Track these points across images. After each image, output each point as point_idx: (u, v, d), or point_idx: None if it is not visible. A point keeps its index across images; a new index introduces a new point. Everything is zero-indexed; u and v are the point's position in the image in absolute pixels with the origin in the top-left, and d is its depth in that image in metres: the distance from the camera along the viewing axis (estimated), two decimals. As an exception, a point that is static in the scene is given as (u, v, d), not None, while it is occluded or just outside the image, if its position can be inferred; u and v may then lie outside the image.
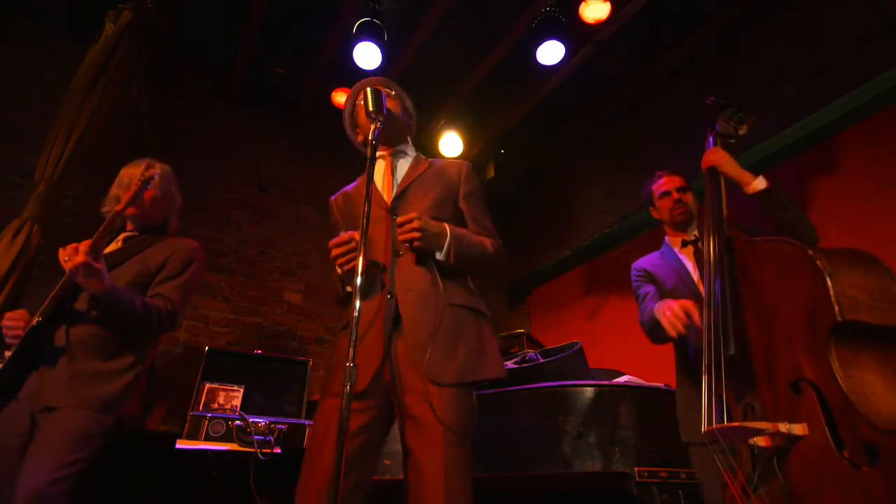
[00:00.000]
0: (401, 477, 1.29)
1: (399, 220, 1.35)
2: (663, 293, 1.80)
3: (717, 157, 1.70)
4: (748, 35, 3.22)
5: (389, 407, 1.32)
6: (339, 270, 1.38)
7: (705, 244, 1.49)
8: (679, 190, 1.94)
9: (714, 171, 1.69)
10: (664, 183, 1.97)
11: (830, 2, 2.82)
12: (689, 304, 1.45)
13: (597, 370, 2.38)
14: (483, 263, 1.47)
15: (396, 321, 1.34)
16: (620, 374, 2.31)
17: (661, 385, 2.03)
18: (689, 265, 1.82)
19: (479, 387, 1.35)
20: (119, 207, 1.63)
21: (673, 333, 1.44)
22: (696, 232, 1.91)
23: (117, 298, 1.55)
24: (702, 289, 1.69)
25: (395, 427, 1.35)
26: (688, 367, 1.71)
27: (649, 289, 1.85)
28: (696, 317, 1.40)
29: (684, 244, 1.88)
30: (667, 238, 1.98)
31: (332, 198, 1.68)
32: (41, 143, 2.49)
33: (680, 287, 1.76)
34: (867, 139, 2.57)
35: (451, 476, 1.19)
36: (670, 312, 1.45)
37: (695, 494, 1.70)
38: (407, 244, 1.33)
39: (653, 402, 1.91)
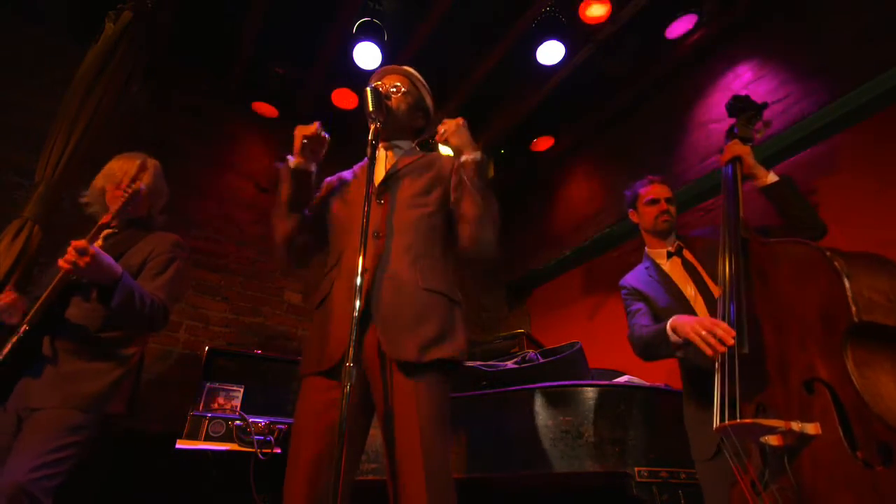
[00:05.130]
0: None
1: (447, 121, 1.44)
2: (656, 311, 1.79)
3: (741, 148, 1.75)
4: (748, 35, 3.22)
5: (366, 395, 1.31)
6: (297, 144, 1.45)
7: (721, 262, 1.47)
8: (667, 200, 1.96)
9: (734, 168, 1.72)
10: (654, 190, 1.98)
11: (830, 2, 2.82)
12: (720, 323, 1.36)
13: (597, 370, 2.38)
14: (493, 205, 1.43)
15: (368, 302, 1.32)
16: (620, 374, 2.31)
17: (661, 385, 2.04)
18: (678, 279, 1.81)
19: (452, 366, 1.32)
20: (104, 220, 1.62)
21: (711, 352, 1.35)
22: (677, 242, 1.92)
23: (130, 285, 1.56)
24: (694, 304, 1.72)
25: None
26: (695, 382, 1.70)
27: (640, 305, 1.85)
28: (728, 339, 1.31)
29: (669, 255, 1.88)
30: (648, 250, 1.98)
31: (328, 179, 1.68)
32: (41, 143, 2.49)
33: (673, 305, 1.74)
34: (867, 139, 2.57)
35: (429, 462, 1.16)
36: (709, 337, 1.35)
37: (695, 494, 1.70)
38: (442, 131, 1.45)
39: (653, 402, 1.91)
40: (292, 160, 1.46)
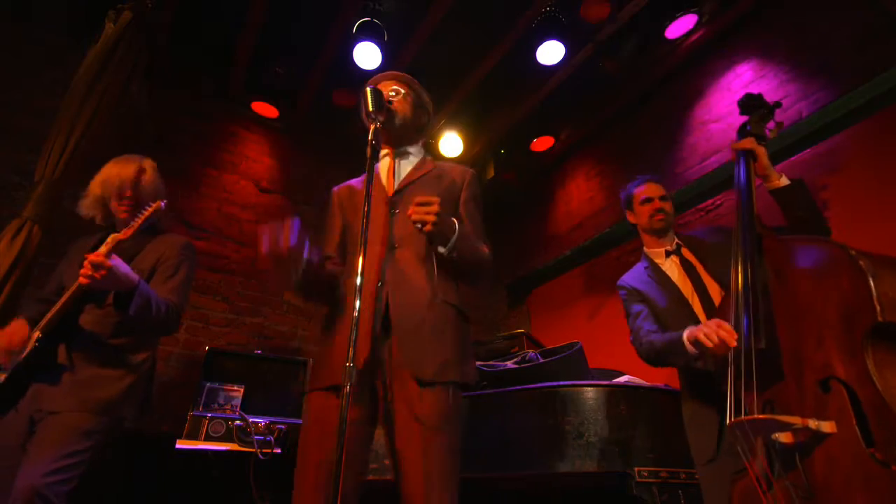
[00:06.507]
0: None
1: (419, 199, 1.25)
2: (656, 312, 1.78)
3: (756, 146, 1.70)
4: (748, 35, 3.22)
5: (375, 404, 1.31)
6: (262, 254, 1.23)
7: (734, 259, 1.45)
8: (661, 199, 1.94)
9: (746, 162, 1.68)
10: (647, 189, 1.97)
11: (830, 1, 2.82)
12: (723, 324, 1.35)
13: (597, 370, 2.38)
14: (478, 268, 1.46)
15: (385, 315, 1.32)
16: (620, 374, 2.31)
17: (661, 385, 2.03)
18: (676, 279, 1.80)
19: (464, 387, 1.34)
20: (123, 237, 1.54)
21: (720, 351, 1.34)
22: (676, 241, 1.91)
23: (146, 293, 1.57)
24: (692, 303, 1.71)
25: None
26: (695, 385, 1.69)
27: (641, 307, 1.83)
28: (731, 340, 1.31)
29: (668, 254, 1.87)
30: (646, 250, 1.96)
31: (336, 188, 1.65)
32: (41, 143, 2.49)
33: (673, 306, 1.74)
34: (867, 139, 2.57)
35: (436, 475, 1.18)
36: (713, 335, 1.35)
37: (695, 494, 1.70)
38: (419, 225, 1.23)
39: (653, 402, 1.91)
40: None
